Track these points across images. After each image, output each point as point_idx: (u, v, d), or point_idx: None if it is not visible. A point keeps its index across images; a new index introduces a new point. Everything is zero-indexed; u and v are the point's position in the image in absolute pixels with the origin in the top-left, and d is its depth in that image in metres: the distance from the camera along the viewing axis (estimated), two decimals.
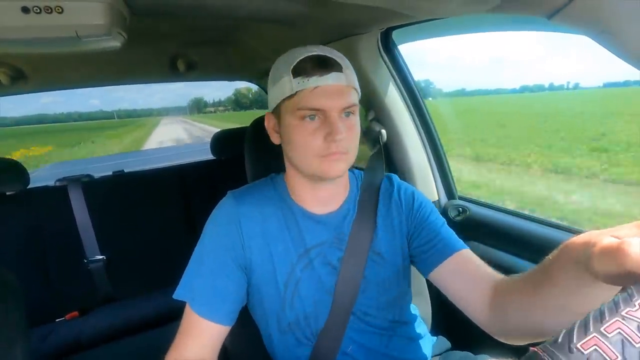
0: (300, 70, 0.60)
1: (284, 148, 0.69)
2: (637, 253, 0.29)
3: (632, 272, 0.29)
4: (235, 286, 0.66)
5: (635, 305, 0.25)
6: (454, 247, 0.68)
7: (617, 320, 0.24)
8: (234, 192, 0.72)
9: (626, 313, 0.25)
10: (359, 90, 0.66)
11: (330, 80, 0.60)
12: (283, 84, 0.62)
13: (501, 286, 0.59)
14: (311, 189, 0.69)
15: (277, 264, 0.67)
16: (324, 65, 0.61)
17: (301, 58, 0.61)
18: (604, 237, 0.34)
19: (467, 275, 0.64)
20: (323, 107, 0.60)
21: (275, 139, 0.70)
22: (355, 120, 0.65)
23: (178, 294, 0.66)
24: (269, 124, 0.69)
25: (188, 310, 0.65)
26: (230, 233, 0.66)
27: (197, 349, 0.63)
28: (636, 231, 0.33)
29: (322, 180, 0.66)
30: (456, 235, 0.71)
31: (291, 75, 0.61)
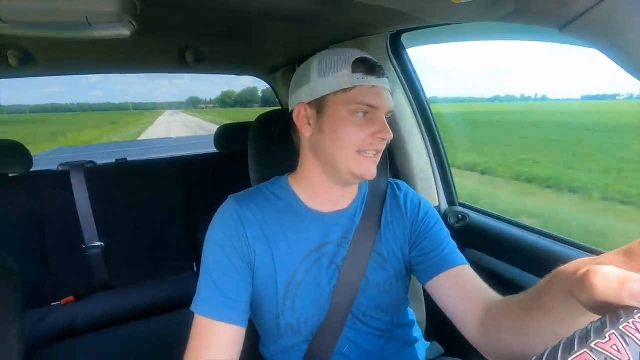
0: (359, 67, 0.63)
1: (316, 141, 0.68)
2: (603, 282, 0.27)
3: (605, 302, 0.27)
4: (245, 284, 0.65)
5: (605, 337, 0.23)
6: (453, 262, 0.67)
7: (585, 352, 0.23)
8: (235, 196, 0.71)
9: (595, 345, 0.23)
10: None
11: (384, 83, 0.65)
12: (339, 77, 0.63)
13: (495, 308, 0.58)
14: (326, 187, 0.69)
15: (278, 267, 0.66)
16: (379, 69, 0.65)
17: (358, 57, 0.65)
18: (585, 267, 0.31)
19: (462, 292, 0.64)
20: (378, 105, 0.63)
21: (306, 131, 0.68)
22: None
23: (192, 306, 0.64)
24: (301, 114, 0.68)
25: (198, 319, 0.62)
26: (235, 233, 0.65)
27: (213, 353, 0.60)
28: (621, 259, 0.31)
29: (352, 179, 0.67)
30: (458, 250, 0.71)
31: (350, 70, 0.63)
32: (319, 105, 0.66)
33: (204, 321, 0.61)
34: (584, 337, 0.24)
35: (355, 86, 0.62)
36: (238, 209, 0.67)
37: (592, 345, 0.23)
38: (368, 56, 0.66)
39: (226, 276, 0.64)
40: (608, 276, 0.27)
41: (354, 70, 0.63)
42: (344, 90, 0.63)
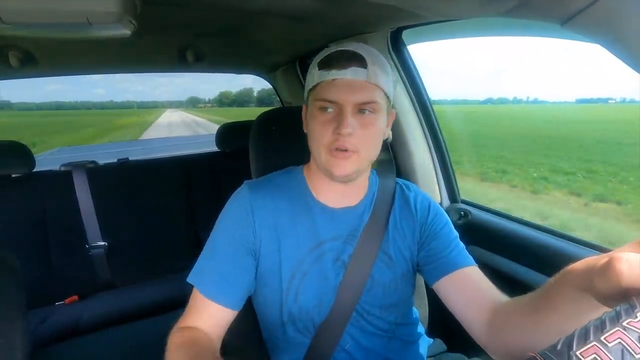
0: (325, 63, 0.63)
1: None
2: (627, 268, 0.28)
3: (629, 288, 0.28)
4: (245, 272, 0.67)
5: (636, 317, 0.25)
6: (461, 263, 0.67)
7: (618, 330, 0.24)
8: (249, 182, 0.73)
9: (627, 323, 0.25)
10: (386, 89, 0.64)
11: (348, 74, 0.61)
12: (311, 76, 0.65)
13: (502, 309, 0.58)
14: (328, 183, 0.70)
15: (284, 256, 0.67)
16: (346, 59, 0.61)
17: (330, 52, 0.64)
18: (602, 260, 0.32)
19: (468, 293, 0.64)
20: (336, 99, 0.61)
21: (304, 128, 0.71)
22: (373, 119, 0.63)
23: (189, 278, 0.67)
24: (303, 114, 0.72)
25: (195, 293, 0.66)
26: (243, 221, 0.67)
27: (202, 326, 0.64)
28: (638, 248, 0.31)
29: (329, 176, 0.66)
30: (466, 252, 0.71)
31: (317, 67, 0.64)
32: (307, 103, 0.69)
33: (198, 297, 0.65)
34: (615, 318, 0.25)
35: (320, 82, 0.63)
36: (250, 196, 0.69)
37: (624, 324, 0.25)
38: (345, 48, 0.63)
39: (227, 262, 0.66)
40: (632, 262, 0.29)
41: (319, 67, 0.63)
42: (313, 88, 0.64)
